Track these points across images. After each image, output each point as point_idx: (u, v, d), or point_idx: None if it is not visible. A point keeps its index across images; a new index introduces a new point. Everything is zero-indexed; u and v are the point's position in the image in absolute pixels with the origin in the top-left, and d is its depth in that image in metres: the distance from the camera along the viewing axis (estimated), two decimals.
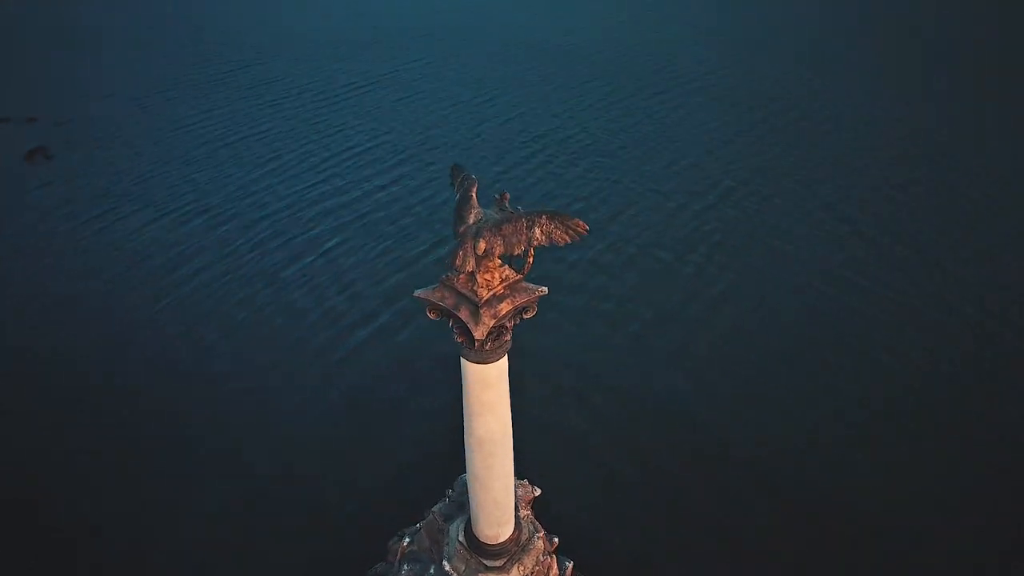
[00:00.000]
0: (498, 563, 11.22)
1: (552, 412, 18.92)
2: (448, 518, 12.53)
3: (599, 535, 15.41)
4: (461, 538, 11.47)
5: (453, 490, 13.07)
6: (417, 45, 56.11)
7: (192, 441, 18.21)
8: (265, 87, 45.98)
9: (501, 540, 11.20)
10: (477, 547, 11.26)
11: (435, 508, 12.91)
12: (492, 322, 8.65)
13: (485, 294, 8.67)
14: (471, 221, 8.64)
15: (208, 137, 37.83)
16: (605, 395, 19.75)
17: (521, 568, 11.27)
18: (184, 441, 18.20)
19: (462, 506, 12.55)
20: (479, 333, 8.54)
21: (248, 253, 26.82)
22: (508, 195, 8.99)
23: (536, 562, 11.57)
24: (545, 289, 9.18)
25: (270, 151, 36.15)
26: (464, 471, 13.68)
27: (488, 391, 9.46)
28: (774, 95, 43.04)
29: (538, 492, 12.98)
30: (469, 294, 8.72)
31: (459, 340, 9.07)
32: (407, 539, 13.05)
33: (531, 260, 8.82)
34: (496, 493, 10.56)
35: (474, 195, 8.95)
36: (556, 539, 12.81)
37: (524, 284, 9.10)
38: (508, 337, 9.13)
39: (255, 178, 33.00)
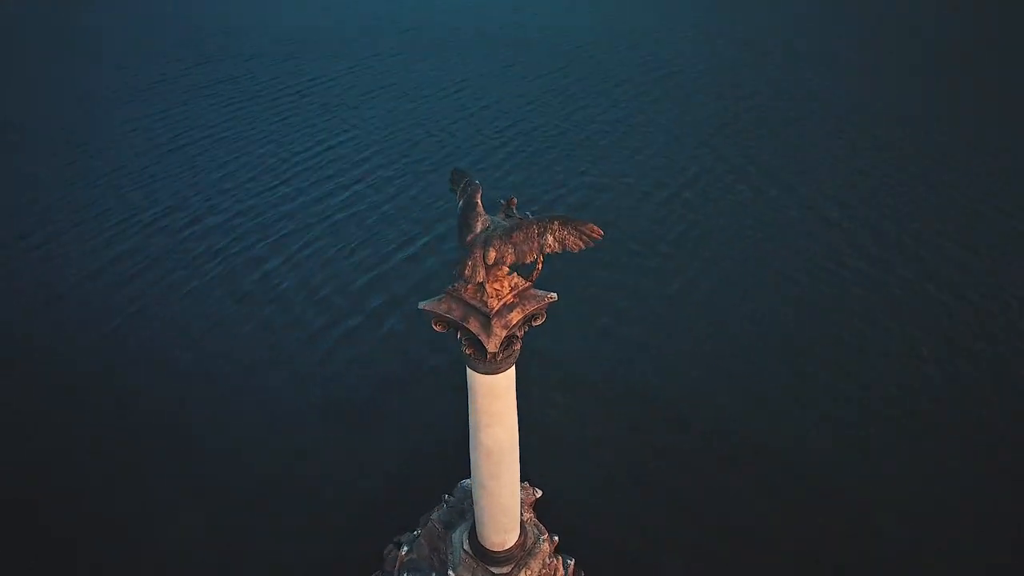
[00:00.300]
0: (505, 569, 11.16)
1: (546, 412, 18.77)
2: (448, 525, 12.44)
3: (598, 533, 15.19)
4: (466, 546, 11.39)
5: (453, 496, 12.97)
6: (381, 40, 55.08)
7: (191, 441, 18.11)
8: (220, 86, 44.88)
9: (508, 546, 11.14)
10: (483, 555, 11.19)
11: (434, 515, 12.81)
12: (504, 333, 8.49)
13: (496, 304, 8.50)
14: (478, 229, 8.46)
15: (161, 139, 36.89)
16: (597, 392, 19.61)
17: (528, 573, 11.23)
18: (184, 442, 18.10)
19: (463, 513, 12.47)
20: (492, 345, 8.37)
21: (210, 260, 26.20)
22: (515, 200, 8.80)
23: (543, 565, 11.54)
24: (554, 295, 9.02)
25: (228, 152, 35.29)
26: (463, 477, 13.62)
27: (497, 402, 9.35)
28: (772, 93, 42.37)
29: (539, 494, 12.91)
30: (479, 305, 8.55)
31: (468, 352, 8.90)
32: (405, 548, 12.95)
33: (540, 267, 8.65)
34: (503, 501, 10.48)
35: (479, 201, 8.76)
36: (556, 537, 12.76)
37: (533, 291, 8.95)
38: (518, 346, 9.00)
39: (213, 181, 32.20)
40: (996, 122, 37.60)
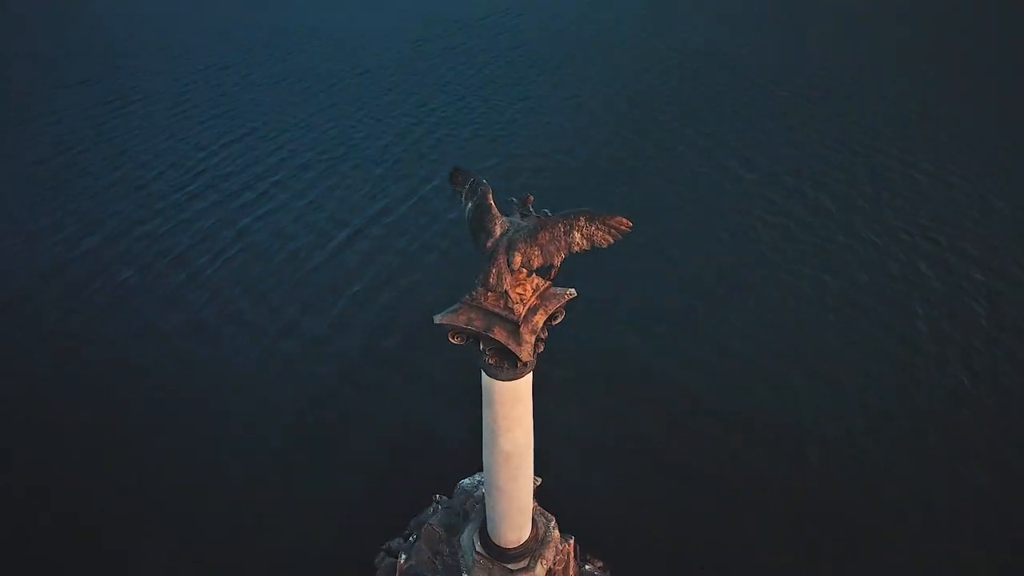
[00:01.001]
0: (522, 564, 10.95)
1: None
2: (449, 528, 11.99)
3: (589, 507, 15.01)
4: (478, 548, 11.02)
5: (451, 497, 12.46)
6: (274, 30, 50.27)
7: (191, 442, 17.30)
8: (96, 84, 39.63)
9: (523, 541, 10.92)
10: (499, 554, 10.88)
11: (432, 520, 12.28)
12: (532, 338, 7.98)
13: (522, 310, 7.94)
14: (498, 233, 7.79)
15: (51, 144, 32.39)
16: (577, 368, 19.31)
17: (544, 563, 11.09)
18: (184, 444, 17.28)
19: (464, 514, 12.05)
20: (525, 354, 7.84)
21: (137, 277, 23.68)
22: (532, 198, 8.17)
23: (556, 552, 11.45)
24: (573, 291, 8.57)
25: (121, 157, 31.44)
26: (462, 477, 13.16)
27: (518, 406, 8.91)
28: (768, 92, 40.05)
29: (539, 482, 12.69)
30: (503, 312, 7.94)
31: (491, 362, 8.30)
32: (403, 555, 12.36)
33: (559, 265, 8.15)
34: (520, 501, 10.19)
35: (492, 202, 8.04)
36: (553, 518, 12.69)
37: (552, 290, 8.47)
38: (541, 348, 8.51)
39: (98, 190, 28.76)
40: (997, 120, 36.46)
